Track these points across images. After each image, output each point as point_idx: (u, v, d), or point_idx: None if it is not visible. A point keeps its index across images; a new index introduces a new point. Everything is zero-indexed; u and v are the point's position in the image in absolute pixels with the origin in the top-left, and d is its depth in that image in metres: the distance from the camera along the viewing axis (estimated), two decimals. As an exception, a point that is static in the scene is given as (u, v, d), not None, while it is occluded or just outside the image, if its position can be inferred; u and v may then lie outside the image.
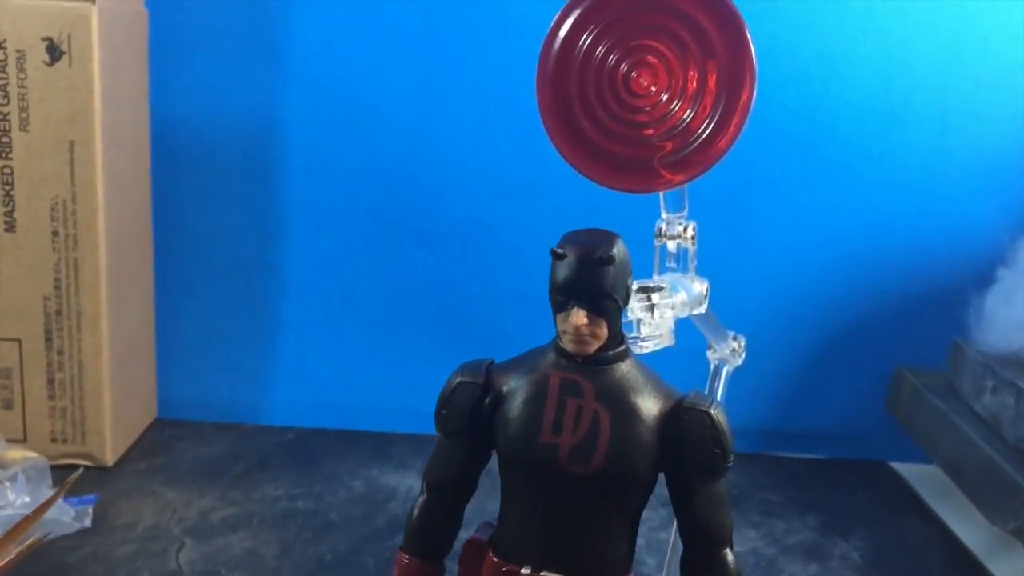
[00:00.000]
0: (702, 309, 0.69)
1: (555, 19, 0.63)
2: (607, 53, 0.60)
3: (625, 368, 0.51)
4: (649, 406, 0.50)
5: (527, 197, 1.24)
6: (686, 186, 0.66)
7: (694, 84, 0.58)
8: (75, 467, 1.05)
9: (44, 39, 0.99)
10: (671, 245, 0.67)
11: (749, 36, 0.58)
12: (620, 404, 0.49)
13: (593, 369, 0.50)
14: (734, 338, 0.87)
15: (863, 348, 1.28)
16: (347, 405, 1.27)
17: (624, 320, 0.57)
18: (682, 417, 0.50)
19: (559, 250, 0.49)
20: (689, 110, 0.59)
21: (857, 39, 1.20)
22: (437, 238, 1.26)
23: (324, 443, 1.21)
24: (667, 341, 0.61)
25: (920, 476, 1.22)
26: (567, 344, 0.50)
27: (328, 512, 1.02)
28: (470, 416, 0.53)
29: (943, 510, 1.13)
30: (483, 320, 1.27)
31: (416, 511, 0.55)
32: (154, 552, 0.92)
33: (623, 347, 0.52)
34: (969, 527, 1.07)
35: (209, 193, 1.23)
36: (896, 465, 1.27)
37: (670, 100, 0.59)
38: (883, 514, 1.13)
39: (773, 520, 1.09)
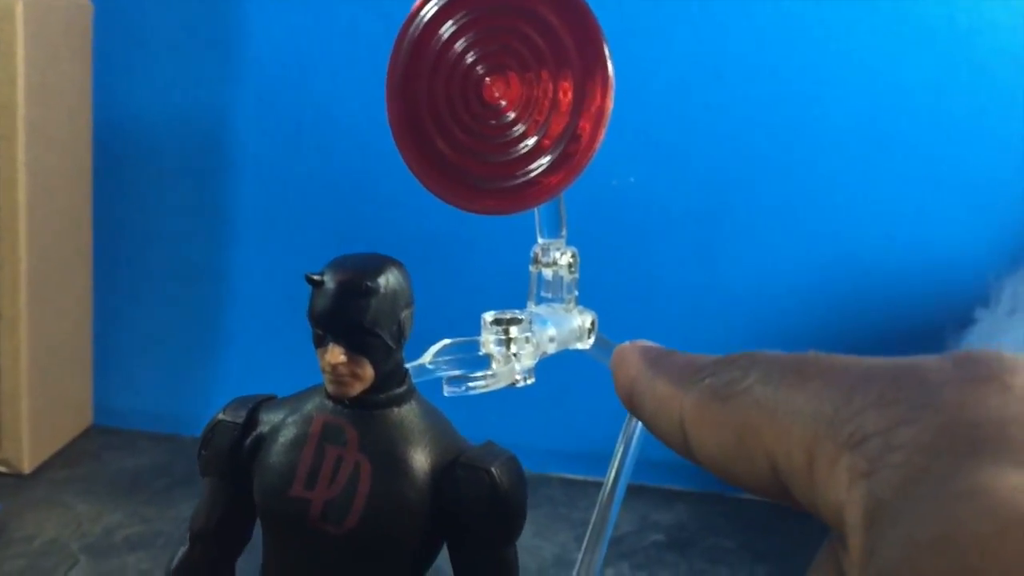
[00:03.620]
0: (584, 344, 0.62)
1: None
2: (467, 50, 0.54)
3: (403, 414, 0.44)
4: (421, 460, 0.43)
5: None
6: (563, 209, 0.59)
7: (547, 95, 0.52)
8: (-13, 474, 1.01)
9: (-33, 30, 0.95)
10: (547, 273, 0.60)
11: (605, 45, 0.52)
12: (386, 456, 0.43)
13: (362, 414, 0.43)
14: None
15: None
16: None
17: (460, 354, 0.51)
18: (458, 477, 0.43)
19: (316, 276, 0.43)
20: (540, 125, 0.53)
21: (844, 62, 1.13)
22: (393, 249, 1.19)
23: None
24: (515, 380, 0.54)
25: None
26: (327, 385, 0.44)
27: (241, 535, 0.97)
28: (229, 459, 0.46)
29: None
30: (437, 335, 1.21)
31: (175, 563, 0.49)
32: (43, 569, 0.87)
33: (404, 389, 0.45)
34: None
35: (155, 195, 1.19)
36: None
37: (521, 113, 0.52)
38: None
39: (719, 568, 1.01)
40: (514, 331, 0.54)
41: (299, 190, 1.18)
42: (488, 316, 0.55)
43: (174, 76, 1.16)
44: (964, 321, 1.04)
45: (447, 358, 0.54)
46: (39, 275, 1.02)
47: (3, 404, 1.02)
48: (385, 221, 1.19)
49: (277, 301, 1.21)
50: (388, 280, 0.43)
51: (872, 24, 1.11)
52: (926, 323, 1.13)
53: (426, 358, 0.55)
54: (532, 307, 0.61)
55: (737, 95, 1.13)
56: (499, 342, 0.54)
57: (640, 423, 0.83)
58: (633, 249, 1.17)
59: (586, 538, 0.78)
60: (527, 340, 0.55)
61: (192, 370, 1.22)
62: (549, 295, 0.61)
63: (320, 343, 0.43)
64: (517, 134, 0.52)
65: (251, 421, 0.46)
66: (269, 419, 0.46)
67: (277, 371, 1.22)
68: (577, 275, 0.61)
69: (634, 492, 1.15)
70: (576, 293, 0.62)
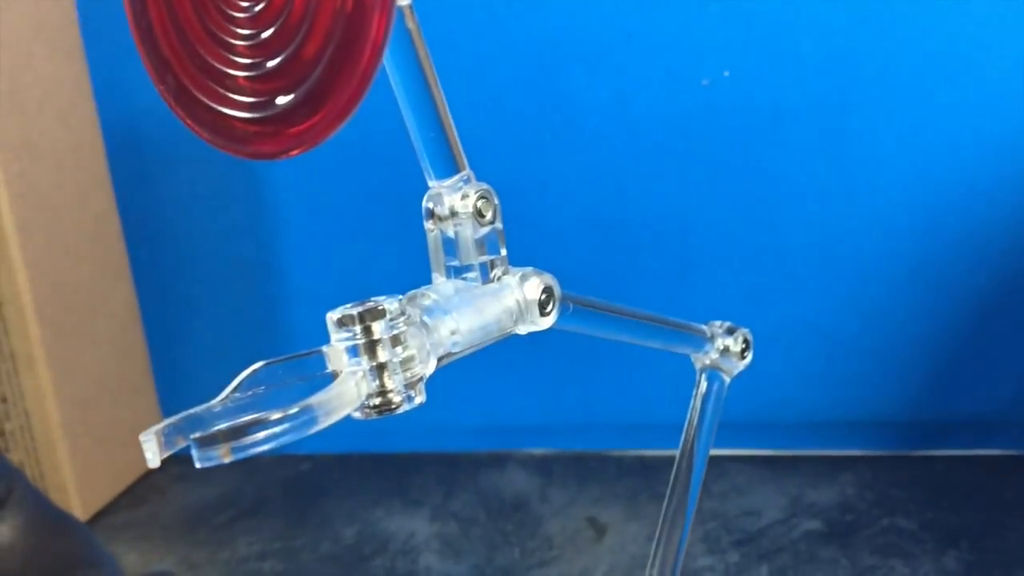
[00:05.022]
0: (534, 326, 0.41)
1: None
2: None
3: None
4: None
5: (546, 148, 0.97)
6: (451, 130, 0.39)
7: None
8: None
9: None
10: (451, 230, 0.40)
11: None
12: None
13: None
14: (728, 332, 0.58)
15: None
16: (373, 424, 1.06)
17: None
18: None
19: None
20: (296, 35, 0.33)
21: None
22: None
23: (339, 475, 1.01)
24: (346, 409, 0.35)
25: None
26: None
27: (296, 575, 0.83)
28: None
29: None
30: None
31: None
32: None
33: None
34: None
35: (187, 194, 1.05)
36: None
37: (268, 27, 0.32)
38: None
39: (893, 562, 0.77)
40: (377, 329, 0.35)
41: (342, 168, 1.02)
42: (334, 314, 0.36)
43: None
44: None
45: (248, 394, 0.35)
46: (50, 307, 0.91)
47: (40, 451, 0.92)
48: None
49: (336, 291, 1.05)
50: None
51: None
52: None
53: (222, 395, 0.36)
54: (439, 283, 0.41)
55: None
56: (353, 350, 0.35)
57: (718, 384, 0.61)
58: (739, 160, 0.92)
59: (658, 529, 0.59)
60: (402, 340, 0.35)
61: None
62: (456, 263, 0.41)
63: None
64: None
65: None
66: None
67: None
68: (498, 224, 0.40)
69: (783, 466, 0.92)
70: (503, 252, 0.41)
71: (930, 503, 0.84)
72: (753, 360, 0.59)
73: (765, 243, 0.93)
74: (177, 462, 1.03)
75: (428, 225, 0.40)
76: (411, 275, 1.11)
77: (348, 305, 0.36)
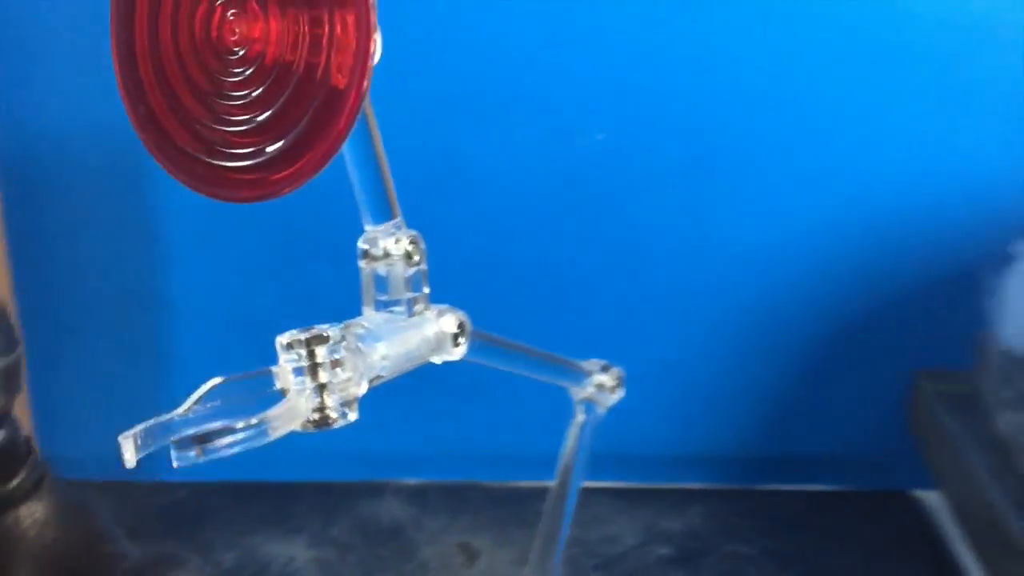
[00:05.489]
0: (448, 355, 0.47)
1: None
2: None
3: (16, 522, 0.31)
4: None
5: (439, 203, 1.03)
6: (388, 181, 0.45)
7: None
8: None
9: None
10: (383, 269, 0.46)
11: None
12: None
13: None
14: (603, 369, 0.65)
15: (872, 351, 1.03)
16: (249, 452, 1.09)
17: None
18: None
19: None
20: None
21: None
22: (342, 252, 1.06)
23: (216, 502, 1.03)
24: (298, 421, 0.40)
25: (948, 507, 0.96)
26: None
27: (176, 597, 0.85)
28: None
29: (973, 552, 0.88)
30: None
31: None
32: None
33: (23, 479, 0.32)
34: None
35: (77, 221, 1.06)
36: (921, 494, 1.01)
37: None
38: (888, 563, 0.88)
39: (734, 583, 0.86)
40: (320, 353, 0.40)
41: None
42: (283, 338, 0.41)
43: (82, 84, 1.03)
44: (1003, 259, 0.86)
45: (211, 404, 0.40)
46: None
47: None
48: (332, 220, 1.05)
49: (223, 319, 1.08)
50: None
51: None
52: (960, 266, 0.96)
53: (185, 406, 0.41)
54: (369, 314, 0.47)
55: (716, 17, 0.96)
56: (299, 371, 0.40)
57: (593, 415, 0.67)
58: (612, 214, 1.01)
59: (533, 551, 0.65)
60: (341, 364, 0.41)
61: (142, 405, 1.10)
62: (385, 297, 0.47)
63: None
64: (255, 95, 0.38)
65: None
66: None
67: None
68: (423, 266, 0.47)
69: (639, 497, 1.00)
70: (426, 290, 0.47)
71: (768, 532, 0.94)
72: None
73: (630, 290, 1.02)
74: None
75: (362, 264, 0.46)
76: (295, 309, 1.16)
77: (294, 331, 0.41)
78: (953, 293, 0.99)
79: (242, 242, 1.06)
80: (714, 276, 1.01)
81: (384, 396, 1.08)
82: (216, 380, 0.39)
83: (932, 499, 0.99)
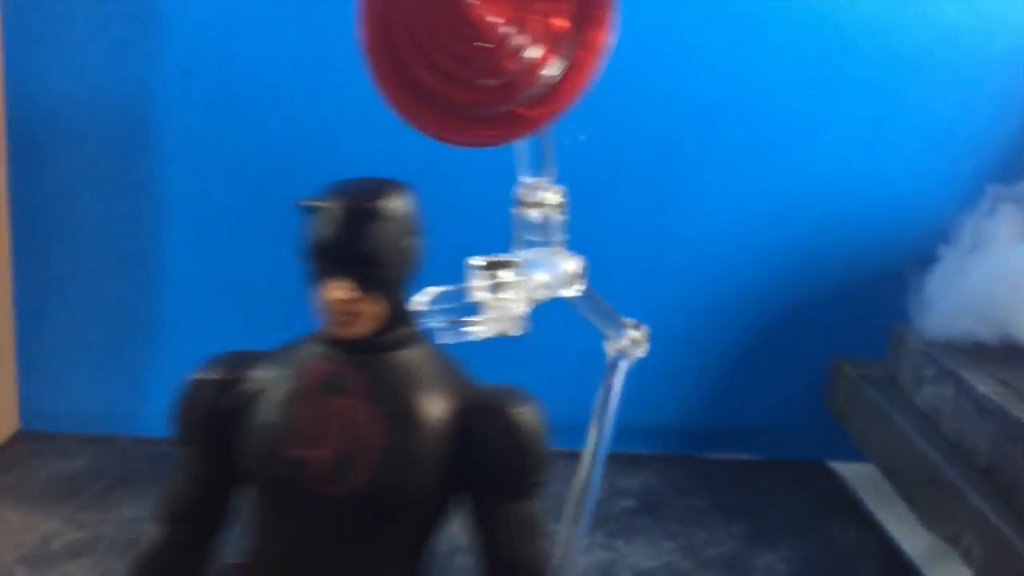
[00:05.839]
0: (574, 291, 0.58)
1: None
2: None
3: (410, 357, 0.39)
4: (437, 407, 0.39)
5: (431, 179, 1.12)
6: (551, 145, 0.55)
7: (541, 18, 0.47)
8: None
9: None
10: (534, 214, 0.56)
11: None
12: (397, 405, 0.38)
13: (365, 359, 0.39)
14: (635, 327, 0.76)
15: (799, 338, 1.18)
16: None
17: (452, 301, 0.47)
18: (474, 421, 0.39)
19: (315, 202, 0.38)
20: (536, 46, 0.48)
21: (791, 4, 1.10)
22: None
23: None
24: (508, 328, 0.49)
25: (859, 476, 1.12)
26: (326, 326, 0.38)
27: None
28: (208, 422, 0.41)
29: (882, 513, 1.04)
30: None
31: (148, 553, 0.43)
32: (-21, 585, 0.80)
33: (410, 329, 0.40)
34: (909, 532, 0.97)
35: (77, 181, 1.10)
36: (835, 465, 1.17)
37: (515, 34, 0.47)
38: (815, 520, 1.03)
39: (694, 529, 0.98)
40: (504, 275, 0.50)
41: (231, 167, 1.11)
42: (477, 260, 0.50)
43: (89, 53, 1.07)
44: (926, 259, 1.02)
45: (434, 307, 0.49)
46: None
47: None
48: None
49: (213, 285, 1.14)
50: (398, 206, 0.38)
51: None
52: (888, 264, 1.12)
53: (415, 305, 0.50)
54: (520, 252, 0.57)
55: (683, 44, 1.10)
56: (491, 288, 0.50)
57: (616, 386, 0.78)
58: (585, 208, 1.12)
59: (567, 510, 0.73)
60: (519, 285, 0.50)
61: (125, 365, 1.14)
62: (536, 238, 0.57)
63: (317, 279, 0.38)
64: (504, 57, 0.48)
65: (233, 378, 0.41)
66: (255, 375, 0.41)
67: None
68: (566, 216, 0.57)
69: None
70: (566, 236, 0.58)
71: (714, 491, 1.07)
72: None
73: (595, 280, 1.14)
74: (33, 438, 1.12)
75: (518, 209, 0.56)
76: (278, 280, 1.22)
77: (485, 255, 0.51)
78: (870, 293, 1.16)
79: (234, 214, 1.12)
80: (667, 270, 1.15)
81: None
82: (432, 289, 0.48)
83: (844, 468, 1.15)
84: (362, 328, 0.38)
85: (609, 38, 0.50)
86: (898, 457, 0.93)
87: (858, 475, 1.12)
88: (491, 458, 0.38)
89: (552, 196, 0.55)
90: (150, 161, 1.10)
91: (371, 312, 0.38)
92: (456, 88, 0.49)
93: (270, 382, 0.40)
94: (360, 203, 0.37)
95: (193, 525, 0.43)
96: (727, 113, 1.12)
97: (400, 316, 0.40)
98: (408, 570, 0.40)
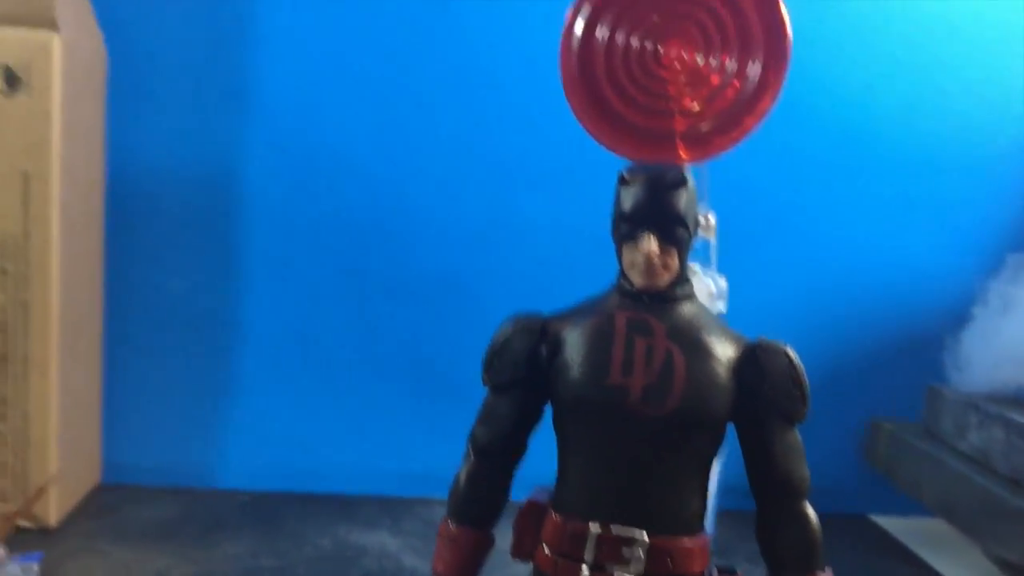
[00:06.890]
0: (721, 306, 0.66)
1: (568, 17, 0.60)
2: (630, 35, 0.58)
3: (693, 308, 0.48)
4: (723, 346, 0.47)
5: (497, 248, 1.21)
6: (705, 174, 0.64)
7: (720, 76, 0.56)
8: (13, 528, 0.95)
9: (2, 67, 0.94)
10: (710, 239, 0.65)
11: (787, 22, 0.56)
12: (694, 343, 0.46)
13: (661, 307, 0.47)
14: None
15: (833, 402, 1.27)
16: (307, 466, 1.20)
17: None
18: (758, 357, 0.47)
19: (627, 174, 0.46)
20: (716, 85, 0.57)
21: (818, 95, 1.22)
22: (404, 290, 1.21)
23: (284, 505, 1.13)
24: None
25: (905, 528, 1.20)
26: (636, 277, 0.47)
27: (295, 569, 0.95)
28: (526, 366, 0.48)
29: (933, 559, 1.11)
30: (450, 375, 1.22)
31: (463, 477, 0.51)
32: (109, 611, 0.83)
33: (689, 286, 0.49)
34: (962, 572, 1.05)
35: (164, 241, 1.17)
36: (877, 518, 1.24)
37: (700, 71, 0.56)
38: (872, 562, 1.09)
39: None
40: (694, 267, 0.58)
41: (309, 234, 1.19)
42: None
43: (184, 123, 1.16)
44: (959, 322, 1.12)
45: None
46: (66, 319, 0.99)
47: (31, 453, 0.97)
48: (396, 263, 1.21)
49: (289, 345, 1.20)
50: (690, 177, 0.47)
51: (840, 56, 1.22)
52: (915, 330, 1.22)
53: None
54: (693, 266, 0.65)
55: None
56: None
57: None
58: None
59: None
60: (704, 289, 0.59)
61: (203, 420, 1.19)
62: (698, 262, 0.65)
63: (628, 237, 0.46)
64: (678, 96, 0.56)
65: (546, 328, 0.49)
66: (561, 326, 0.48)
67: (289, 418, 1.21)
68: (716, 238, 0.66)
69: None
70: (716, 257, 0.66)
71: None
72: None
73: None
74: (115, 489, 1.19)
75: (706, 236, 0.64)
76: (354, 340, 1.28)
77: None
78: (898, 361, 1.26)
79: (311, 278, 1.20)
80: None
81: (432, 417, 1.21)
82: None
83: (886, 521, 1.22)
84: (664, 279, 0.46)
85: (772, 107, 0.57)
86: (954, 497, 1.01)
87: (903, 527, 1.20)
88: (775, 387, 0.47)
89: (705, 220, 0.64)
90: (234, 228, 1.18)
91: (672, 266, 0.46)
92: (639, 114, 0.58)
93: (579, 329, 0.47)
94: (671, 172, 0.45)
95: (499, 456, 0.50)
96: (764, 191, 1.23)
97: (684, 275, 0.48)
98: (700, 480, 0.48)
